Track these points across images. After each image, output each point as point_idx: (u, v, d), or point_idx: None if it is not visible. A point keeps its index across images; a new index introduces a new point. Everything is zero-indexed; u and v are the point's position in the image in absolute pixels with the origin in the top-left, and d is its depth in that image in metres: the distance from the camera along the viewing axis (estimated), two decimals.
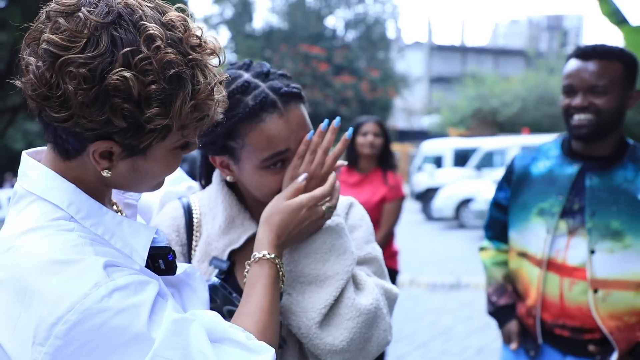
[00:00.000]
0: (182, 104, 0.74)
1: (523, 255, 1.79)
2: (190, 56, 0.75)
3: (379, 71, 29.23)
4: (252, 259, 0.99)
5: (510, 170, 1.91)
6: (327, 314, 1.01)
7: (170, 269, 0.88)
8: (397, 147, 22.92)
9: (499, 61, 40.53)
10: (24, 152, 0.85)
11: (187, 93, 0.74)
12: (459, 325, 5.39)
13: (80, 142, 0.76)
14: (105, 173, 0.79)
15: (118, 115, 0.71)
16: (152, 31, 0.71)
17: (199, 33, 0.78)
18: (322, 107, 26.62)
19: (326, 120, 1.06)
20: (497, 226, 1.96)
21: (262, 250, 0.99)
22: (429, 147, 17.85)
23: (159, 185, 0.92)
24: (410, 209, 15.69)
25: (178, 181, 1.28)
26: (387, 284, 1.12)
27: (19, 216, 0.79)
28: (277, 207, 1.02)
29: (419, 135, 30.06)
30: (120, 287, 0.71)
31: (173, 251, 0.89)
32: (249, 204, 1.15)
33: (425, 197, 15.08)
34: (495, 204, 1.97)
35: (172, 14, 0.76)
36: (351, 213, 1.19)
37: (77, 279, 0.69)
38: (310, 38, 29.07)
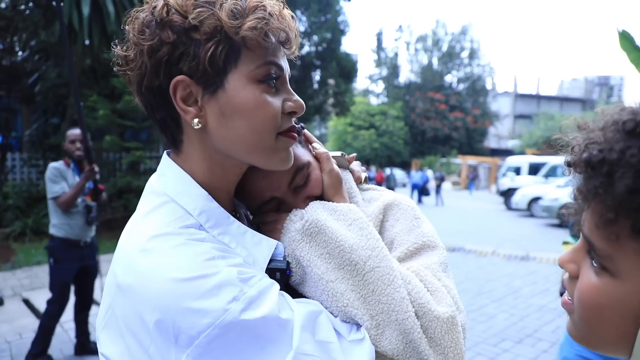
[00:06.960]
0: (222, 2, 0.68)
1: None
2: None
3: (479, 110, 38.65)
4: None
5: None
6: None
7: (283, 283, 0.78)
8: (489, 160, 30.48)
9: (563, 106, 48.59)
10: (165, 152, 0.80)
11: None
12: (526, 288, 5.96)
13: (166, 101, 0.71)
14: (196, 124, 0.71)
15: (168, 35, 0.68)
16: None
17: None
18: (440, 132, 37.62)
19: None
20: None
21: None
22: (512, 160, 19.68)
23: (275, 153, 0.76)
24: (495, 201, 19.45)
25: None
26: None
27: (152, 215, 0.73)
28: None
29: (505, 153, 36.58)
30: (254, 297, 0.66)
31: (290, 267, 0.80)
32: None
33: (507, 194, 17.07)
34: None
35: None
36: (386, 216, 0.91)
37: (214, 294, 0.64)
38: (435, 88, 39.44)
